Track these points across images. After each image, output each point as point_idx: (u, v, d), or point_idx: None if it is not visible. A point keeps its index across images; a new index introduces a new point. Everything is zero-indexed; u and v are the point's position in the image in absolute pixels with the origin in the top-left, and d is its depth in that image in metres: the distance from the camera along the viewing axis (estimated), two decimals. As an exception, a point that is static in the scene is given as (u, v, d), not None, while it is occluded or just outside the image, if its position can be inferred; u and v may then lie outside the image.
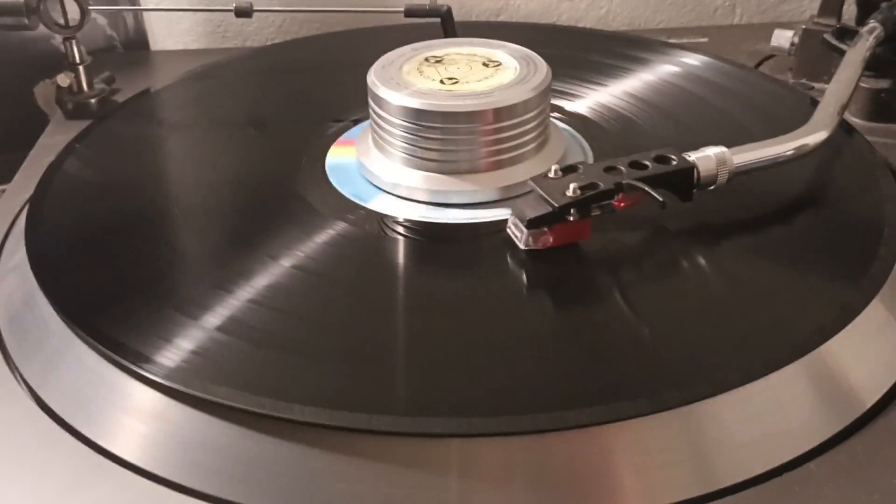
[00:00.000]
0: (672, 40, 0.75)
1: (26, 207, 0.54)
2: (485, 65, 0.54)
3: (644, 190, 0.44)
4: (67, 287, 0.46)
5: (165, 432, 0.39)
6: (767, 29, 0.73)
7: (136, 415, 0.40)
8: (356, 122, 0.60)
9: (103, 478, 0.38)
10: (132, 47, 0.84)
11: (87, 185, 0.56)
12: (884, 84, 0.63)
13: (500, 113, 0.49)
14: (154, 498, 0.37)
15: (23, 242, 0.50)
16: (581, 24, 0.86)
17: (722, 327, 0.42)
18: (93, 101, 0.69)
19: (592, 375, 0.40)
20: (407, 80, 0.52)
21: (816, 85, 0.67)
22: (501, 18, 0.86)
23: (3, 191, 0.60)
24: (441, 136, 0.50)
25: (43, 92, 0.80)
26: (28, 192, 0.56)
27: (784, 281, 0.45)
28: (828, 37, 0.66)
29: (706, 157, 0.47)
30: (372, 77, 0.52)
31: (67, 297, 0.45)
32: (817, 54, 0.68)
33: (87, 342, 0.42)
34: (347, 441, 0.37)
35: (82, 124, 0.63)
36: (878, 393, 0.41)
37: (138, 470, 0.38)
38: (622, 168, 0.46)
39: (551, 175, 0.46)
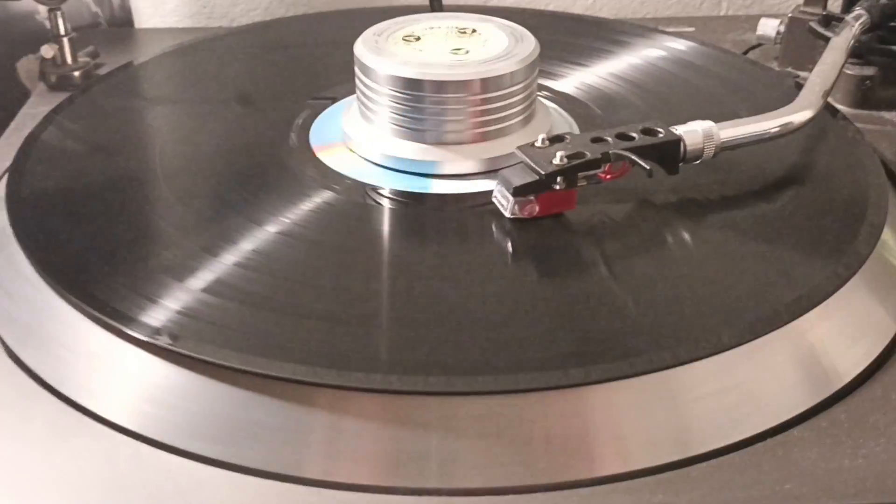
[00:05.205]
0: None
1: (6, 174, 0.53)
2: (462, 32, 0.53)
3: (631, 159, 0.44)
4: (50, 249, 0.45)
5: (148, 391, 0.39)
6: (753, 21, 0.73)
7: (118, 373, 0.39)
8: (333, 100, 0.59)
9: (81, 433, 0.37)
10: (117, 25, 0.83)
11: (68, 153, 0.55)
12: (868, 72, 0.64)
13: (487, 83, 0.49)
14: (131, 452, 0.37)
15: (2, 206, 0.49)
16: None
17: (702, 297, 0.42)
18: (76, 73, 0.68)
19: (572, 339, 0.40)
20: (393, 50, 0.51)
21: (802, 73, 0.67)
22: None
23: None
24: (427, 105, 0.49)
25: (26, 66, 0.79)
26: (7, 161, 0.55)
27: (766, 255, 0.45)
28: (814, 24, 0.66)
29: (693, 131, 0.47)
30: (360, 47, 0.52)
31: (50, 259, 0.44)
32: (803, 43, 0.68)
33: (70, 302, 0.41)
34: (332, 398, 0.37)
35: (65, 96, 0.62)
36: (858, 368, 0.41)
37: (117, 427, 0.38)
38: (609, 139, 0.46)
39: (538, 144, 0.46)
